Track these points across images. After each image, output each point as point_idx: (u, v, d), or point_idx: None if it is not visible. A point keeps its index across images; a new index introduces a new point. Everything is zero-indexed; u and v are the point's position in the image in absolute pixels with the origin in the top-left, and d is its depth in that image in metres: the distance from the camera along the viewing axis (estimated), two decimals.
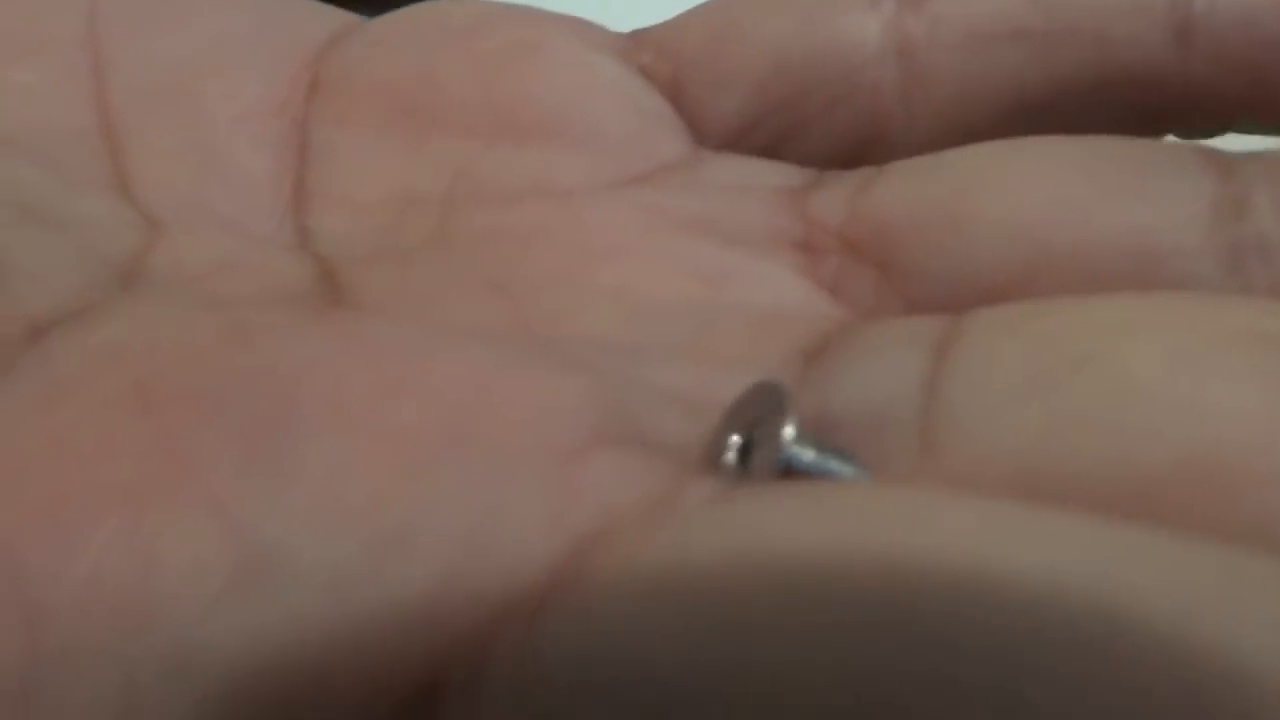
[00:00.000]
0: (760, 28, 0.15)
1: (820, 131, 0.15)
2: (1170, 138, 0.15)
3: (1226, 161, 0.13)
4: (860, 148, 0.15)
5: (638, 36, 0.16)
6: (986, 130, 0.14)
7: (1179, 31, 0.14)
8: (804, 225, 0.14)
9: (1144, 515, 0.09)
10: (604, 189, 0.14)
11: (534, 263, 0.13)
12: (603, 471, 0.10)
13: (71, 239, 0.13)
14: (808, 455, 0.10)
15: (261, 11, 0.16)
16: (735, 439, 0.11)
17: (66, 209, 0.13)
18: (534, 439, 0.10)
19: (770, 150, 0.15)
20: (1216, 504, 0.09)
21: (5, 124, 0.14)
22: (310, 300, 0.13)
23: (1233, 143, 0.15)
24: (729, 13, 0.16)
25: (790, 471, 0.10)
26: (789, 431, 0.10)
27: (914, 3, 0.15)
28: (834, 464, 0.10)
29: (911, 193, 0.14)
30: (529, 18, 0.16)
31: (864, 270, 0.13)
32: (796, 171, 0.15)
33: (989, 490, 0.10)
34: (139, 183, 0.14)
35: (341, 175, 0.15)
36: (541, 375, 0.11)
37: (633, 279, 0.13)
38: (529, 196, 0.14)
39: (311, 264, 0.14)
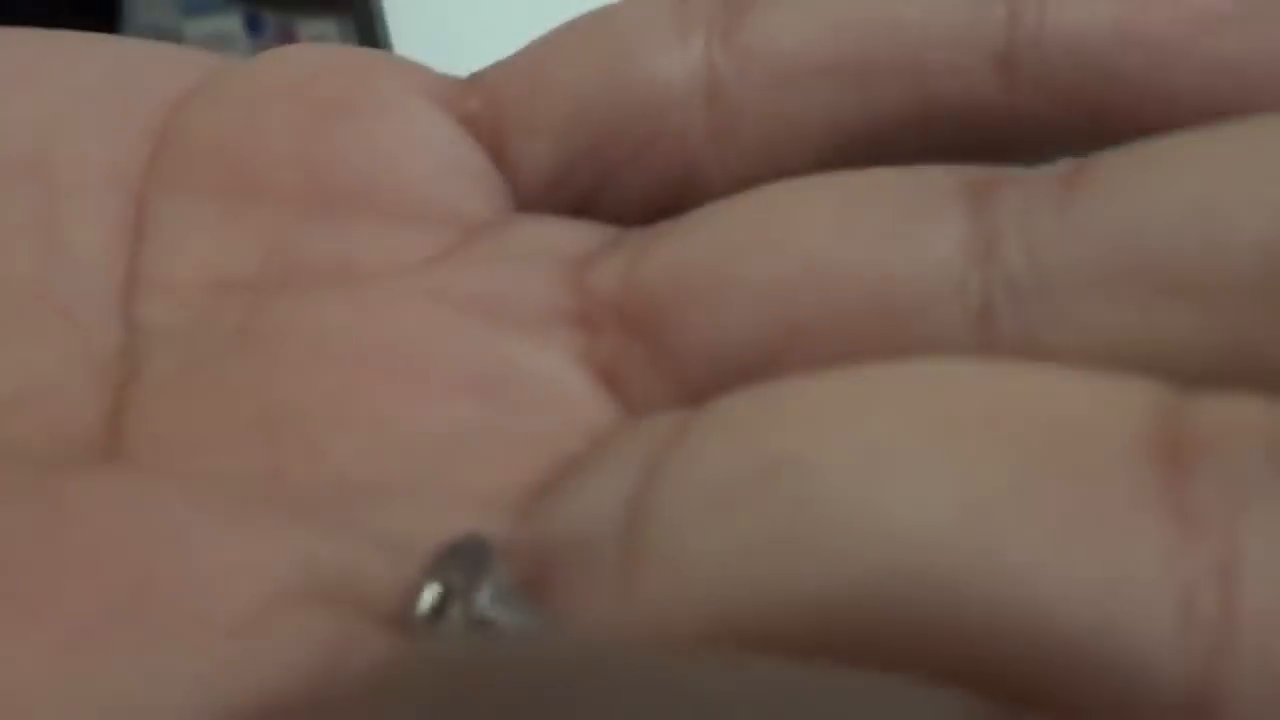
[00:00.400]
0: (569, 68, 0.14)
1: (632, 180, 0.14)
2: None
3: (984, 187, 0.12)
4: (675, 197, 0.14)
5: (473, 80, 0.15)
6: (806, 172, 0.13)
7: (1001, 61, 0.13)
8: (581, 298, 0.13)
9: (839, 637, 0.09)
10: (403, 272, 0.14)
11: (312, 379, 0.13)
12: (283, 632, 0.10)
13: None
14: (502, 614, 0.10)
15: (118, 65, 0.15)
16: (429, 594, 0.10)
17: None
18: (213, 603, 0.10)
19: (587, 202, 0.14)
20: (906, 619, 0.09)
21: None
22: (84, 447, 0.13)
23: None
24: (543, 52, 0.15)
25: (484, 625, 0.10)
26: (484, 594, 0.10)
27: (723, 37, 0.14)
28: (526, 620, 0.10)
29: (680, 255, 0.13)
30: (362, 65, 0.15)
31: (637, 349, 0.13)
32: (600, 231, 0.14)
33: (690, 626, 0.10)
34: None
35: (170, 254, 0.14)
36: (245, 533, 0.11)
37: (403, 398, 0.13)
38: (328, 283, 0.14)
39: (109, 393, 0.13)
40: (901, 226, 0.12)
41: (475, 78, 0.15)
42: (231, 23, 0.67)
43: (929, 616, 0.09)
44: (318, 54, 0.16)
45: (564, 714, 0.08)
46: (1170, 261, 0.11)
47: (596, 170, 0.14)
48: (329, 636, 0.10)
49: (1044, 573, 0.09)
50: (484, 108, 0.15)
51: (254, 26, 0.67)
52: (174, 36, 0.62)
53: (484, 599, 0.10)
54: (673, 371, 0.12)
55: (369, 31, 0.39)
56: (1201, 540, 0.09)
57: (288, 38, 0.65)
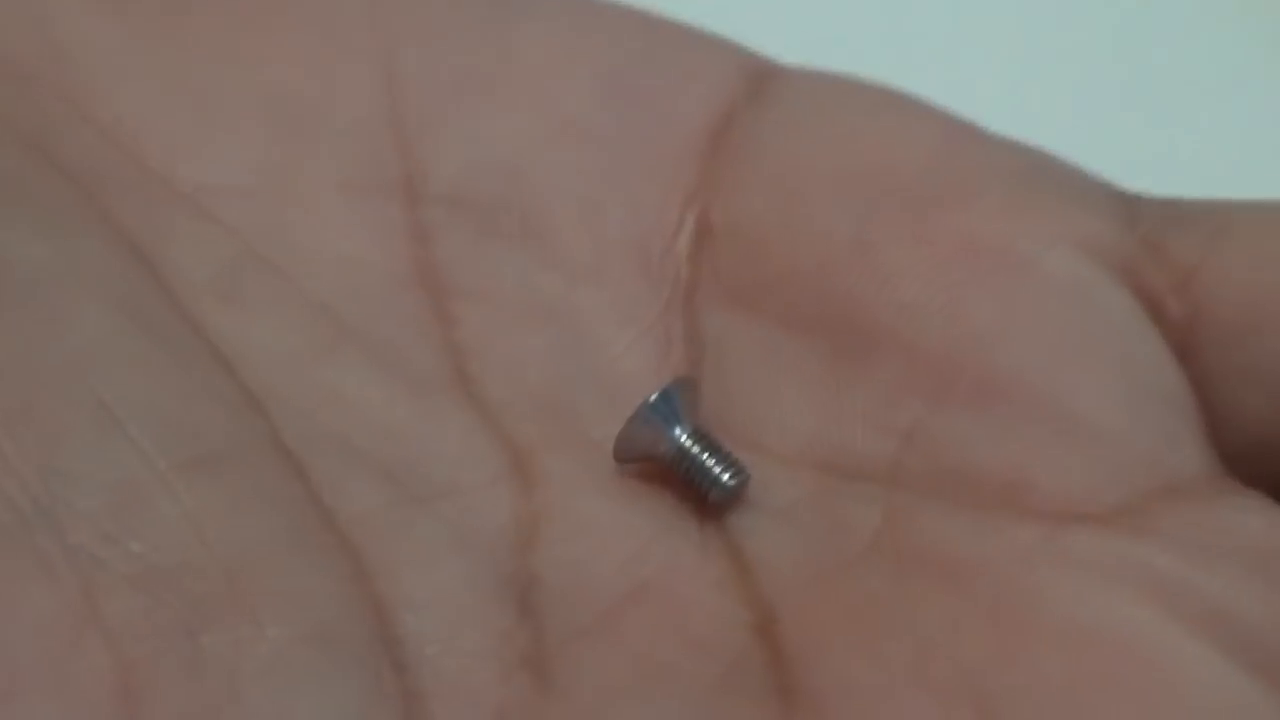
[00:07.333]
0: None
1: None
2: None
3: None
4: None
5: (1151, 239, 0.12)
6: None
7: None
8: None
9: None
10: (1094, 527, 0.11)
11: (1025, 660, 0.11)
12: None
13: (450, 530, 0.11)
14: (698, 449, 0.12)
15: (614, 75, 0.13)
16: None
17: (428, 460, 0.11)
18: None
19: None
20: None
21: (324, 282, 0.12)
22: (753, 677, 0.11)
23: None
24: (1247, 246, 0.12)
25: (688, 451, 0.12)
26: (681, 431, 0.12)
27: None
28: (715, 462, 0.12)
29: None
30: (974, 156, 0.13)
31: None
32: None
33: None
34: (480, 374, 0.12)
35: (746, 400, 0.12)
36: None
37: None
38: (997, 505, 0.11)
39: (737, 589, 0.11)
40: None
41: (1151, 231, 0.12)
42: None
43: None
44: (925, 143, 0.13)
45: None
46: None
47: None
48: None
49: None
50: (1176, 299, 0.12)
51: None
52: None
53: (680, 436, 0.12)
54: None
55: None
56: None
57: None
